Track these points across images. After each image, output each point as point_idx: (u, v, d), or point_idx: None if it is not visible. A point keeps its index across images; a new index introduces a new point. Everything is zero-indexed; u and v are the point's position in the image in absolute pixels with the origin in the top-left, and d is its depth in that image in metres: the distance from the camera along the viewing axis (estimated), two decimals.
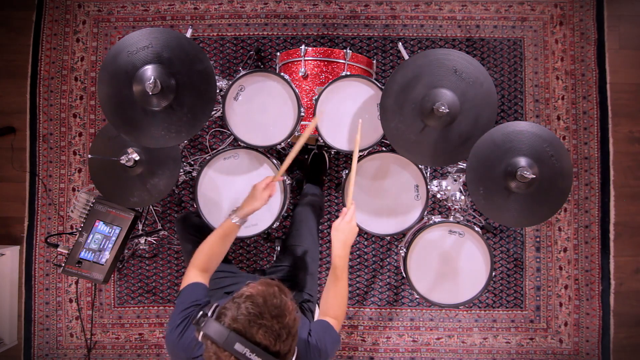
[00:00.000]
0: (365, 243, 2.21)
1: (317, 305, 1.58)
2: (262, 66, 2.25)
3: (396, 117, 1.45)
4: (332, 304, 1.23)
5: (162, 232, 2.14)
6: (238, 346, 0.80)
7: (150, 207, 2.15)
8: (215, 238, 1.27)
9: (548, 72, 2.24)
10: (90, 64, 2.27)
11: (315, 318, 1.52)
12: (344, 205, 1.67)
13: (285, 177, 1.67)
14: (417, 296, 1.60)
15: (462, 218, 1.66)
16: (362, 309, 2.20)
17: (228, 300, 0.88)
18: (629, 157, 2.23)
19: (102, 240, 1.75)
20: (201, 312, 0.87)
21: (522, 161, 1.39)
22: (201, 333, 0.85)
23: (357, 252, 2.21)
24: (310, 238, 1.67)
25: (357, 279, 2.20)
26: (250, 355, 0.80)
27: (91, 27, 2.27)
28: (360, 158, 1.67)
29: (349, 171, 1.45)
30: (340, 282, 1.22)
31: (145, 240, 2.05)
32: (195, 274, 1.19)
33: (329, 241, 2.21)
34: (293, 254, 1.61)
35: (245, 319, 0.82)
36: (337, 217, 2.18)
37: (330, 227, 2.19)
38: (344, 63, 1.72)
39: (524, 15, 2.25)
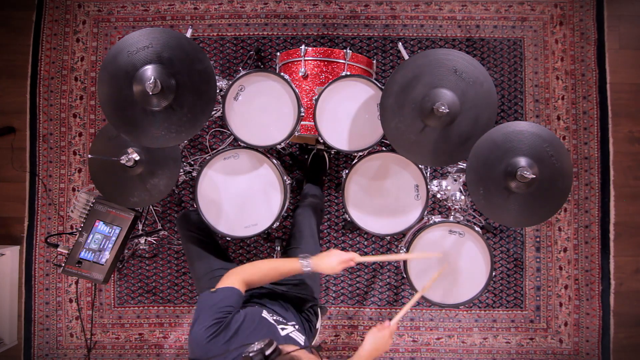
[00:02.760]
0: (365, 243, 2.21)
1: (319, 307, 1.58)
2: (262, 66, 2.25)
3: (396, 117, 1.45)
4: None
5: (162, 232, 2.14)
6: None
7: (150, 207, 2.15)
8: (277, 269, 1.27)
9: (548, 72, 2.24)
10: (90, 64, 2.27)
11: (319, 323, 1.53)
12: (345, 208, 1.68)
13: (285, 177, 1.68)
14: None
15: (462, 218, 1.66)
16: (362, 309, 2.20)
17: (284, 355, 0.88)
18: (629, 157, 2.23)
19: (102, 240, 1.75)
20: (256, 349, 0.87)
21: (522, 161, 1.39)
22: None
23: (357, 252, 2.20)
24: (312, 240, 1.67)
25: (357, 279, 2.20)
26: None
27: (91, 27, 2.27)
28: (360, 158, 1.67)
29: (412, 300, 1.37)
30: None
31: (145, 240, 2.04)
32: (239, 282, 1.17)
33: (329, 241, 2.21)
34: (295, 256, 1.61)
35: None
36: (336, 217, 2.20)
37: (330, 227, 2.20)
38: (344, 63, 1.73)
39: (524, 15, 2.25)
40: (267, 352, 0.87)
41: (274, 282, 1.47)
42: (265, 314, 1.17)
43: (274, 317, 1.21)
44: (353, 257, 1.32)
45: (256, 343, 0.89)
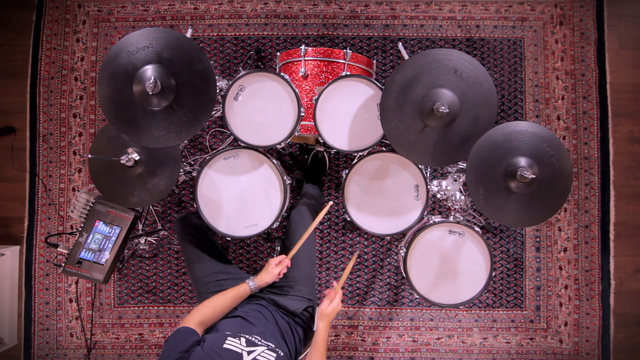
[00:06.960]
0: (365, 243, 2.21)
1: (316, 308, 1.58)
2: (262, 66, 2.25)
3: (396, 117, 1.45)
4: None
5: (162, 232, 2.14)
6: None
7: (150, 207, 2.15)
8: (228, 298, 1.37)
9: (548, 72, 2.24)
10: (90, 64, 2.27)
11: (316, 322, 1.52)
12: (345, 208, 1.68)
13: (285, 177, 1.68)
14: (417, 296, 1.60)
15: (462, 218, 1.66)
16: (362, 309, 2.20)
17: None
18: (629, 157, 2.23)
19: (102, 240, 1.75)
20: None
21: (522, 161, 1.39)
22: None
23: (356, 252, 2.20)
24: (307, 240, 1.65)
25: (357, 279, 2.20)
26: None
27: (91, 27, 2.27)
28: (360, 158, 1.67)
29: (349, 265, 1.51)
30: (323, 355, 1.30)
31: (145, 240, 2.05)
32: (193, 322, 1.25)
33: (329, 241, 2.21)
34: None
35: None
36: (336, 217, 2.20)
37: (330, 227, 2.20)
38: (344, 63, 1.73)
39: (524, 15, 2.25)
40: None
41: (270, 286, 1.50)
42: (229, 342, 1.15)
43: (243, 340, 1.18)
44: (282, 257, 1.47)
45: None
